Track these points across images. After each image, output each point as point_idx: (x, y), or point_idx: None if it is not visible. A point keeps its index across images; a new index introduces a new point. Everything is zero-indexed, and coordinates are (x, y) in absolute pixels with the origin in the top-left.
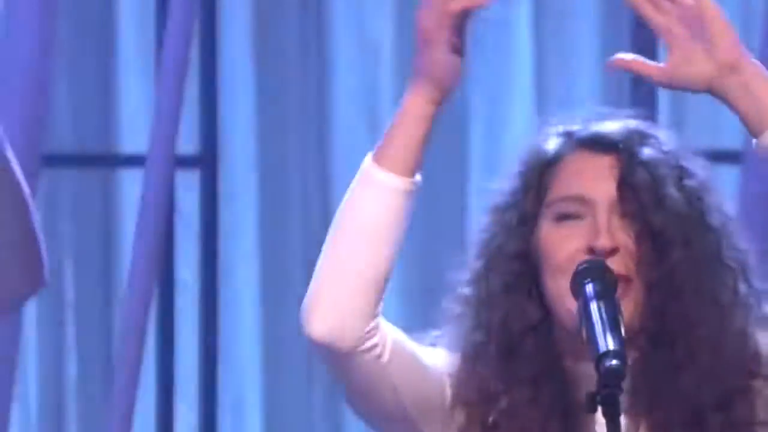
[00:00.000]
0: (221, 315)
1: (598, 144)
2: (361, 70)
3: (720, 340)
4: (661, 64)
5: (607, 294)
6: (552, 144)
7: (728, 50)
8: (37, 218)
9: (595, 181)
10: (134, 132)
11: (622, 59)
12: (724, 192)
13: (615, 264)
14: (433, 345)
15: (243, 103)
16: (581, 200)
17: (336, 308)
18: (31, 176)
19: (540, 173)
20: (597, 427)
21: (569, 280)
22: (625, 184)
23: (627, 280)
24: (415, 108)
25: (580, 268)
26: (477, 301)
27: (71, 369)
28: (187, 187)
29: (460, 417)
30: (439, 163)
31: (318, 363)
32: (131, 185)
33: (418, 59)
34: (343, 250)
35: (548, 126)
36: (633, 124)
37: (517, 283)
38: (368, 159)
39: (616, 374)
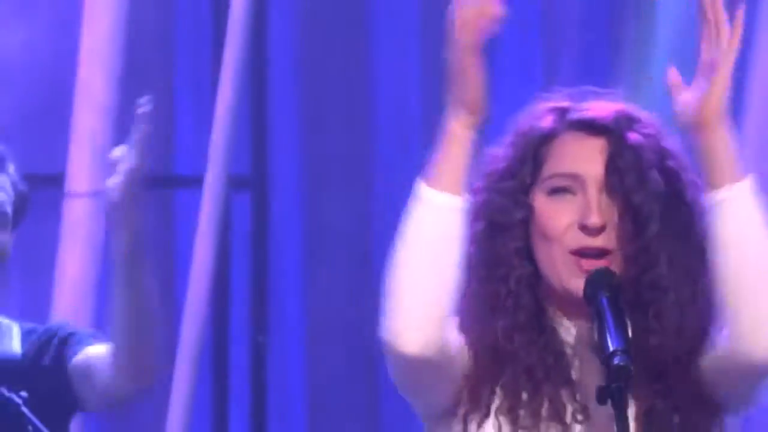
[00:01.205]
0: (270, 327)
1: (590, 127)
2: (399, 93)
3: (688, 306)
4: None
5: (615, 300)
6: (547, 121)
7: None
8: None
9: (587, 161)
10: (191, 153)
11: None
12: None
13: (601, 240)
14: None
15: (289, 127)
16: (573, 177)
17: (423, 324)
18: (97, 197)
19: (536, 147)
20: (571, 359)
21: (561, 248)
22: (612, 165)
23: (609, 253)
24: (455, 133)
25: (591, 276)
26: (486, 262)
27: None
28: (239, 207)
29: (469, 369)
30: None
31: (360, 364)
32: (188, 206)
33: (451, 89)
34: (414, 269)
35: (540, 101)
36: (621, 107)
37: (524, 246)
38: (420, 184)
39: (623, 371)
